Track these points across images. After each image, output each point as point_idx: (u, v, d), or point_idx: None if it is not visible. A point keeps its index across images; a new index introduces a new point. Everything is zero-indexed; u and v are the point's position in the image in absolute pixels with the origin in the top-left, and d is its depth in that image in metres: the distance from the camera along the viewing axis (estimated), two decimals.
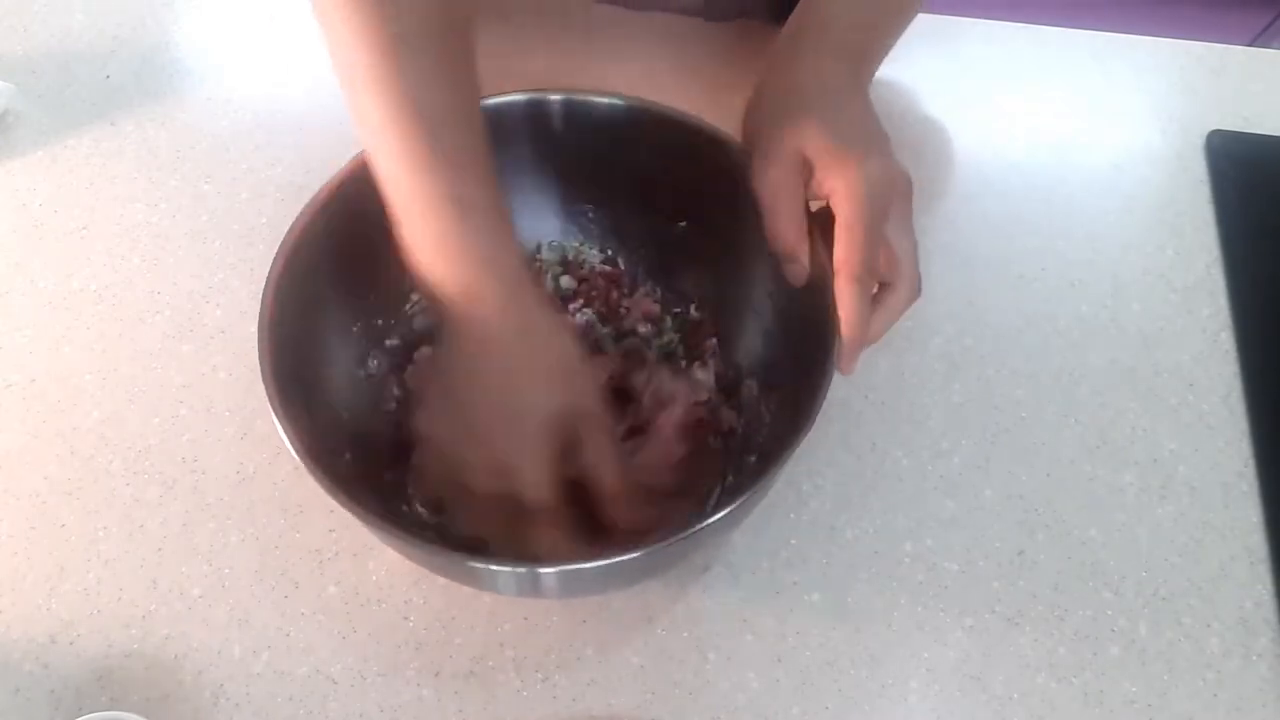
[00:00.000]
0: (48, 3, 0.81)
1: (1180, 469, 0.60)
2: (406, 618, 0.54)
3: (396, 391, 0.58)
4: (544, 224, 0.61)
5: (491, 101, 0.54)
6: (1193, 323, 0.65)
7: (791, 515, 0.57)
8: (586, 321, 0.62)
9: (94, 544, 0.56)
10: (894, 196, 0.47)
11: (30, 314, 0.64)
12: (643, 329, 0.61)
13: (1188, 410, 0.62)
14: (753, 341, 0.58)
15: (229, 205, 0.70)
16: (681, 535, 0.43)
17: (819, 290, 0.48)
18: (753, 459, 0.55)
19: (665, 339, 0.61)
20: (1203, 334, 0.65)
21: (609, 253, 0.62)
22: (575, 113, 0.56)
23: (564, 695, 0.52)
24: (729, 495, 0.54)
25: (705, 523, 0.43)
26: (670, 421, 0.57)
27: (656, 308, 0.62)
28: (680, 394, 0.58)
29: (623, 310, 0.62)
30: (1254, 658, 0.54)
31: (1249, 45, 0.80)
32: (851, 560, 0.56)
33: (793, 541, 0.57)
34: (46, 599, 0.54)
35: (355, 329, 0.57)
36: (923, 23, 0.79)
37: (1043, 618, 0.55)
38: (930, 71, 0.77)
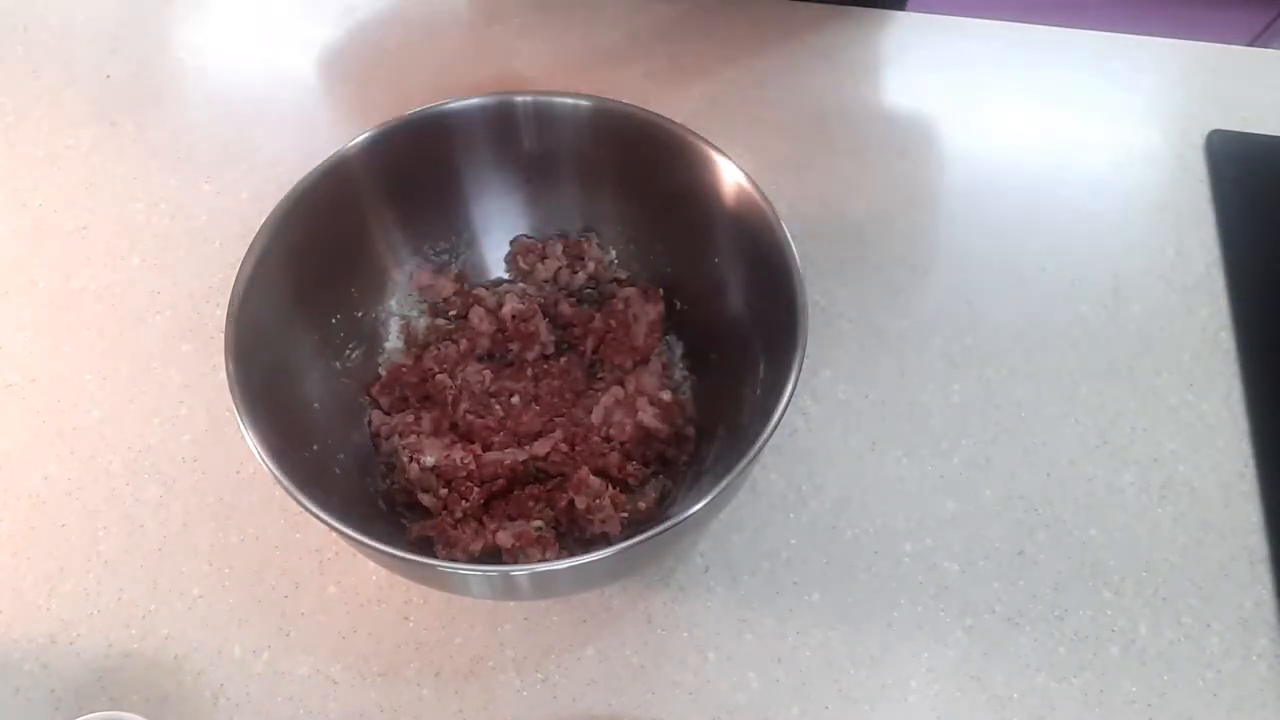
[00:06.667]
0: (48, 3, 0.81)
1: (1180, 469, 0.60)
2: (406, 618, 0.54)
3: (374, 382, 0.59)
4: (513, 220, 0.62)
5: (461, 104, 0.55)
6: (1193, 323, 0.65)
7: (791, 515, 0.57)
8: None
9: (94, 544, 0.56)
10: None
11: (30, 314, 0.64)
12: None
13: (1188, 410, 0.62)
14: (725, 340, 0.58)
15: (229, 205, 0.70)
16: (645, 536, 0.43)
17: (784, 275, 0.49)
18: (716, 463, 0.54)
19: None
20: (1203, 334, 0.65)
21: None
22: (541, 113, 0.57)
23: (564, 695, 0.52)
24: (694, 495, 0.53)
25: (674, 521, 0.43)
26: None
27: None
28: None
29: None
30: (1254, 658, 0.54)
31: (1249, 45, 0.80)
32: (851, 560, 0.56)
33: (793, 541, 0.57)
34: (46, 599, 0.54)
35: (334, 320, 0.57)
36: (923, 22, 0.80)
37: (1043, 618, 0.55)
38: (930, 71, 0.77)
